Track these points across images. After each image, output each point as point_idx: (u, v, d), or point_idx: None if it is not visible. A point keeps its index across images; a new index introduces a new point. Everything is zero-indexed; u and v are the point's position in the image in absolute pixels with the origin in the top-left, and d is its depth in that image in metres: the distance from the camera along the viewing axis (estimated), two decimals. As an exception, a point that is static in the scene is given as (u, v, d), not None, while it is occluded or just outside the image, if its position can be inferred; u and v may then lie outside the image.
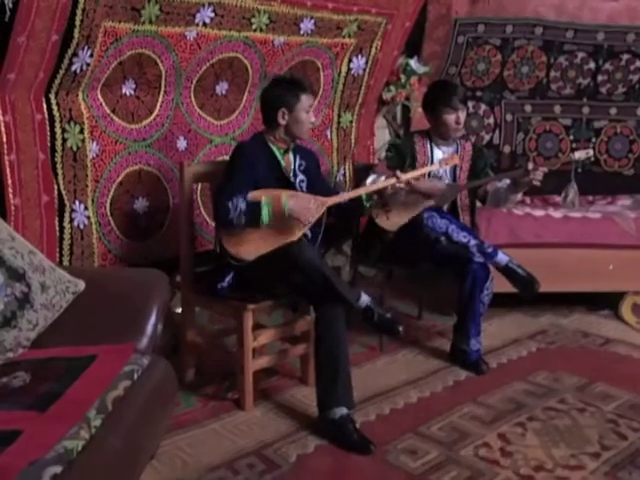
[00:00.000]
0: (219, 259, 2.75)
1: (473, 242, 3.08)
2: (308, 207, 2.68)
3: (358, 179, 3.48)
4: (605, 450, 2.42)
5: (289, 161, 2.89)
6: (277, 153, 2.85)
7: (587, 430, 2.56)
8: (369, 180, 3.08)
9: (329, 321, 2.57)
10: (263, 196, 2.65)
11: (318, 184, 2.95)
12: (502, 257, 3.09)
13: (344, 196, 2.89)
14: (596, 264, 3.75)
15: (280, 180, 2.81)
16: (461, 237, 3.08)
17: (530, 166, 3.10)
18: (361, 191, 2.88)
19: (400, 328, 2.62)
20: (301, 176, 2.91)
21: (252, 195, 2.66)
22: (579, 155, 3.21)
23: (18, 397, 1.77)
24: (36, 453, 1.49)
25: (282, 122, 2.79)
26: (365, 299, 2.62)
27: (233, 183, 2.68)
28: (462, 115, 3.25)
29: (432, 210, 3.14)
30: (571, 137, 4.72)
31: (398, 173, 2.81)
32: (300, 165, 2.92)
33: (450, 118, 3.24)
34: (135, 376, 1.94)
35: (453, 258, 3.11)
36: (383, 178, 3.00)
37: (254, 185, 2.71)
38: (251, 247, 2.66)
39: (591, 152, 3.27)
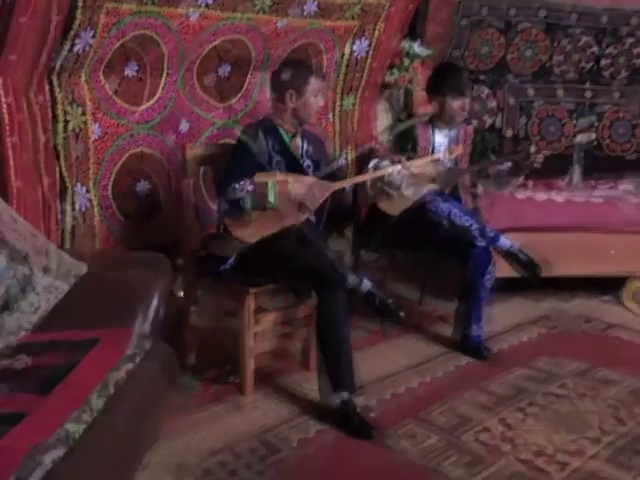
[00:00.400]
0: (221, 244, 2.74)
1: (475, 226, 3.07)
2: (313, 192, 2.69)
3: (360, 163, 3.46)
4: (605, 435, 2.41)
5: (296, 146, 2.88)
6: (285, 137, 2.83)
7: (588, 415, 2.56)
8: (371, 164, 3.07)
9: (330, 305, 2.56)
10: (269, 179, 2.64)
11: (324, 171, 2.93)
12: (504, 242, 3.08)
13: (350, 181, 2.89)
14: (599, 248, 3.73)
15: (290, 162, 2.80)
16: (464, 221, 3.07)
17: (532, 149, 3.08)
18: (366, 177, 2.87)
19: (402, 314, 2.61)
20: (307, 161, 2.89)
21: (258, 177, 2.66)
22: (581, 138, 3.19)
23: (21, 379, 1.78)
24: (39, 436, 1.49)
25: (290, 104, 2.77)
26: (367, 284, 2.60)
27: (240, 166, 2.68)
28: (468, 101, 3.23)
29: (435, 194, 3.12)
30: (574, 121, 4.69)
31: (404, 160, 2.80)
32: (307, 151, 2.90)
33: (457, 104, 3.22)
34: (137, 359, 1.95)
35: (455, 242, 3.10)
36: (386, 162, 2.99)
37: (259, 168, 2.70)
38: (254, 230, 2.65)
39: (593, 135, 3.25)
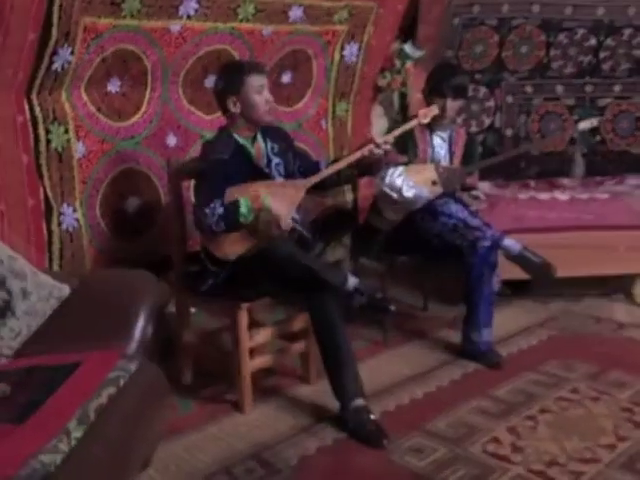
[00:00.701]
0: (202, 262, 2.67)
1: (484, 227, 2.99)
2: (288, 196, 2.60)
3: (358, 169, 3.37)
4: (621, 441, 2.31)
5: (260, 148, 2.75)
6: (245, 143, 2.71)
7: (601, 420, 2.46)
8: (386, 178, 3.03)
9: (320, 311, 2.50)
10: (240, 197, 2.52)
11: (298, 161, 2.84)
12: (514, 244, 2.99)
13: (323, 173, 2.75)
14: (606, 246, 3.64)
15: (254, 171, 2.68)
16: (475, 222, 2.99)
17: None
18: (341, 164, 2.74)
19: (392, 307, 2.53)
20: (276, 159, 2.77)
21: (229, 195, 2.55)
22: (584, 125, 3.10)
23: (-4, 409, 1.69)
24: (10, 469, 1.41)
25: (235, 110, 2.65)
26: (353, 281, 2.52)
27: (208, 189, 2.58)
28: (450, 103, 3.15)
29: (445, 196, 3.04)
30: (575, 117, 4.59)
31: (375, 139, 2.71)
32: (272, 148, 2.78)
33: (438, 102, 3.14)
34: (121, 382, 1.86)
35: (460, 243, 3.01)
36: (398, 171, 2.97)
37: (229, 182, 2.59)
38: (235, 246, 2.56)
39: (595, 121, 3.16)
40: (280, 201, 2.55)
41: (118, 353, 2.00)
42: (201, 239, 2.72)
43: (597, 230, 3.67)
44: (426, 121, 2.97)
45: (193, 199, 2.91)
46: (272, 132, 2.83)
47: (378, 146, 2.67)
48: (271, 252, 2.47)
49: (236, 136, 2.69)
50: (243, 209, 2.49)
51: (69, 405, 1.69)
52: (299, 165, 2.83)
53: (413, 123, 2.95)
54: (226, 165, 2.61)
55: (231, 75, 2.67)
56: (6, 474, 1.38)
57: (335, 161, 2.87)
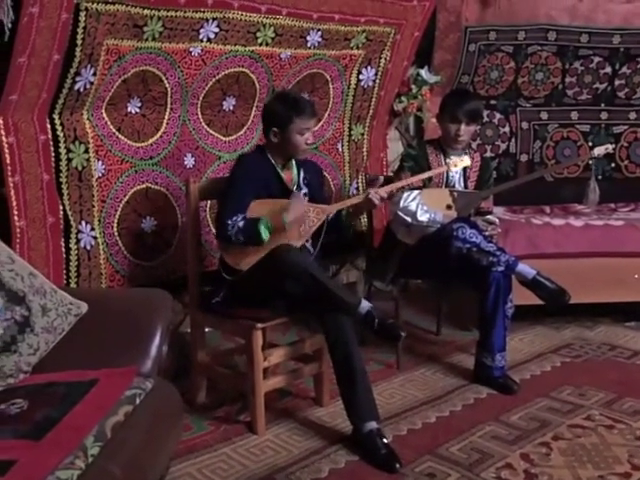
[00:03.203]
0: (218, 275, 2.71)
1: (499, 252, 2.99)
2: (304, 210, 2.67)
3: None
4: (636, 470, 2.29)
5: (290, 175, 2.84)
6: (276, 166, 2.81)
7: (616, 449, 2.44)
8: (402, 202, 3.07)
9: (335, 332, 2.52)
10: (262, 217, 2.59)
11: (318, 200, 2.89)
12: (528, 269, 2.98)
13: (346, 202, 2.86)
14: (620, 273, 3.64)
15: (283, 192, 2.76)
16: (489, 247, 2.99)
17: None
18: (359, 199, 2.81)
19: (402, 334, 2.55)
20: (305, 189, 2.86)
21: (252, 208, 2.62)
22: (599, 151, 3.11)
23: (14, 425, 1.70)
24: (28, 485, 1.42)
25: (274, 140, 2.75)
26: (365, 305, 2.54)
27: (233, 200, 2.65)
28: (464, 128, 3.18)
29: (460, 221, 3.06)
30: (590, 143, 4.60)
31: (373, 190, 2.78)
32: (304, 178, 2.87)
33: (452, 127, 3.18)
34: (137, 400, 1.87)
35: (475, 268, 3.01)
36: (413, 195, 3.04)
37: (255, 196, 2.68)
38: (247, 257, 2.62)
39: (610, 147, 3.17)
40: (297, 212, 2.63)
41: (134, 371, 2.01)
42: (218, 245, 2.79)
43: (611, 257, 3.67)
44: (455, 169, 3.14)
45: (217, 206, 2.92)
46: (308, 164, 2.92)
47: (376, 194, 2.75)
48: (281, 259, 2.51)
49: (270, 158, 2.78)
50: (262, 229, 2.54)
51: (86, 422, 1.70)
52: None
53: (442, 169, 3.05)
54: (255, 180, 2.67)
55: (283, 109, 2.72)
56: (25, 489, 1.39)
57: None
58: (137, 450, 1.76)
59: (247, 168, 2.72)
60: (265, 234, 2.55)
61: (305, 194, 2.83)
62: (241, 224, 2.57)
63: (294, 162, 2.85)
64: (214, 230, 2.75)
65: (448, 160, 3.18)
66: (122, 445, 1.71)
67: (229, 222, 2.58)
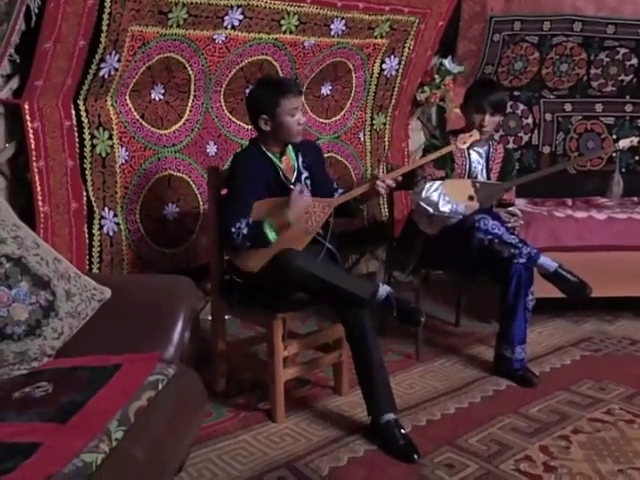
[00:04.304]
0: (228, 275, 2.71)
1: (521, 244, 2.97)
2: (313, 212, 2.62)
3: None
4: (656, 465, 2.28)
5: (288, 162, 2.75)
6: (273, 158, 2.71)
7: (636, 443, 2.42)
8: (423, 192, 3.05)
9: (353, 324, 2.52)
10: (265, 220, 2.54)
11: (321, 180, 2.84)
12: (550, 262, 2.96)
13: (350, 194, 2.77)
14: (642, 267, 3.60)
15: (282, 186, 2.69)
16: (511, 239, 2.97)
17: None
18: (364, 188, 2.76)
19: (422, 319, 2.53)
20: (305, 173, 2.78)
21: (256, 208, 2.59)
22: (623, 144, 3.08)
23: (39, 408, 1.72)
24: (54, 467, 1.44)
25: (266, 128, 2.64)
26: (384, 290, 2.52)
27: (234, 205, 2.60)
28: (489, 118, 3.14)
29: (482, 212, 3.04)
30: (614, 136, 4.55)
31: (380, 176, 2.72)
32: (303, 161, 2.79)
33: (476, 118, 3.15)
34: (160, 386, 1.88)
35: (496, 260, 2.99)
36: (435, 186, 2.99)
37: (257, 197, 2.62)
38: (257, 259, 2.57)
39: (635, 139, 3.13)
40: (304, 215, 2.60)
41: (157, 357, 2.02)
42: (226, 251, 2.76)
43: (634, 250, 3.63)
44: (464, 147, 3.02)
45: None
46: (305, 146, 2.83)
47: (382, 183, 2.68)
48: (283, 267, 2.46)
49: (265, 150, 2.70)
50: (268, 231, 2.50)
51: (110, 406, 1.71)
52: (321, 186, 2.82)
53: (450, 148, 2.99)
54: (255, 179, 2.62)
55: (266, 94, 2.63)
56: (51, 471, 1.41)
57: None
58: (160, 435, 1.78)
59: (244, 168, 2.65)
60: (271, 235, 2.50)
61: (306, 178, 2.77)
62: (245, 231, 2.52)
63: (290, 147, 2.76)
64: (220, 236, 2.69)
65: (453, 138, 3.12)
66: (145, 430, 1.72)
67: (233, 230, 2.52)
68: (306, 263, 2.48)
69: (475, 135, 3.00)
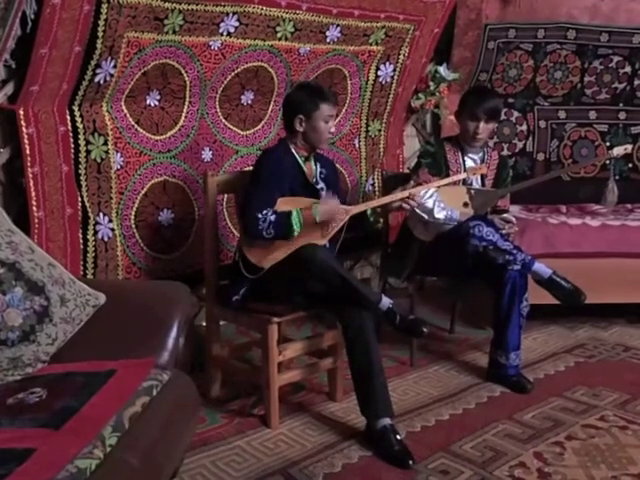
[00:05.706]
0: (236, 271, 2.71)
1: (515, 250, 2.98)
2: (337, 210, 2.68)
3: (388, 188, 3.40)
4: (650, 471, 2.28)
5: (311, 168, 2.85)
6: (299, 160, 2.80)
7: (630, 449, 2.43)
8: (421, 194, 3.05)
9: (357, 328, 2.53)
10: (292, 208, 2.61)
11: (334, 193, 2.88)
12: (544, 269, 2.97)
13: (368, 204, 2.85)
14: (636, 274, 3.62)
15: (305, 187, 2.77)
16: (506, 245, 2.98)
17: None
18: (385, 200, 2.81)
19: (425, 329, 2.57)
20: (321, 184, 2.86)
21: (280, 204, 2.63)
22: (617, 151, 3.10)
23: (33, 413, 1.71)
24: (48, 473, 1.44)
25: (299, 129, 2.74)
26: (386, 301, 2.56)
27: (261, 193, 2.64)
28: (483, 125, 3.16)
29: (477, 218, 3.05)
30: (607, 143, 4.57)
31: (412, 191, 2.76)
32: (321, 173, 2.88)
33: (470, 125, 3.17)
34: (154, 392, 1.88)
35: (491, 266, 3.00)
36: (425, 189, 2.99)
37: (281, 193, 2.68)
38: (270, 256, 2.62)
39: (629, 147, 3.16)
40: (331, 210, 2.67)
41: (151, 362, 2.02)
42: (238, 244, 2.78)
43: (627, 257, 3.65)
44: (472, 177, 3.18)
45: (242, 202, 2.86)
46: (324, 159, 2.94)
47: (411, 198, 2.78)
48: (308, 258, 2.52)
49: (293, 151, 2.78)
50: (294, 222, 2.57)
51: (104, 412, 1.71)
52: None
53: (462, 176, 3.07)
54: (281, 176, 2.68)
55: (308, 96, 2.73)
56: (45, 477, 1.41)
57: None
58: (154, 441, 1.77)
59: (272, 162, 2.71)
60: (297, 227, 2.57)
61: (322, 189, 2.84)
62: (272, 217, 2.57)
63: (312, 157, 2.85)
64: (241, 225, 2.72)
65: (468, 167, 3.19)
66: (139, 436, 1.72)
67: (260, 215, 2.57)
68: (330, 258, 2.56)
69: (484, 170, 3.12)
